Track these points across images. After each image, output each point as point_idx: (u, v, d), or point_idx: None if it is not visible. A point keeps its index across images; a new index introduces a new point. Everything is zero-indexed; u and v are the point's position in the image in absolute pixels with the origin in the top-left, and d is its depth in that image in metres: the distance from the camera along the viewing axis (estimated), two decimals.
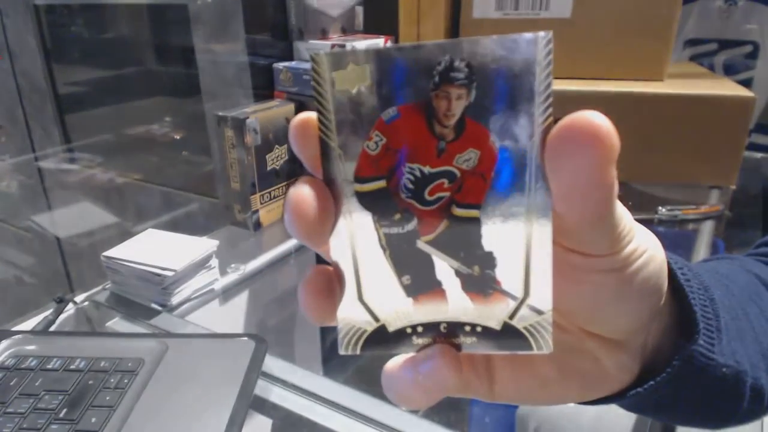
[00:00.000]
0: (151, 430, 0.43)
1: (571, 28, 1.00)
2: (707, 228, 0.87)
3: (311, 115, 0.19)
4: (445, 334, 0.21)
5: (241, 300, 0.75)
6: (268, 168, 0.83)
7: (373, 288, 0.20)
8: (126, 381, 0.47)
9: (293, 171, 0.88)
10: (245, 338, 0.52)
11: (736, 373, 0.26)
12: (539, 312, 0.20)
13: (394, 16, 1.24)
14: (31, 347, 0.52)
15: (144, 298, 0.64)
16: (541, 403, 0.26)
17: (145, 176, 1.25)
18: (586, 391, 0.25)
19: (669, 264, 0.24)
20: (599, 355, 0.24)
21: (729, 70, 1.37)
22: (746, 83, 1.30)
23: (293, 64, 0.90)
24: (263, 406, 0.49)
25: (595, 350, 0.24)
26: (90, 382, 0.47)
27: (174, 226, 1.16)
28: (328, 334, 0.89)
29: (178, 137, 1.25)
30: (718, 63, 1.39)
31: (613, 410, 0.56)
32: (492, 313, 0.20)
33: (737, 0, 1.33)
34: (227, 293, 0.72)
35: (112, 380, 0.47)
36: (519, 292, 0.20)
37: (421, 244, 0.20)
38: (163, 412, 0.44)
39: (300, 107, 0.87)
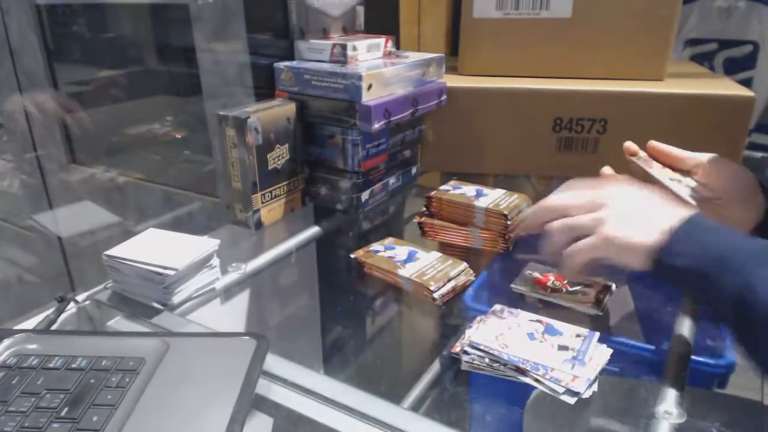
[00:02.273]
0: (153, 428, 0.43)
1: (572, 28, 1.00)
2: None
3: None
4: None
5: (243, 299, 0.76)
6: (270, 167, 0.84)
7: None
8: (127, 380, 0.47)
9: (294, 170, 0.89)
10: (246, 337, 0.52)
11: None
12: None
13: (395, 16, 1.24)
14: (33, 346, 0.52)
15: (145, 297, 0.64)
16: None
17: (146, 175, 1.25)
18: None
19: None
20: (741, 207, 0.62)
21: (729, 70, 1.37)
22: (746, 83, 1.31)
23: (294, 63, 0.90)
24: (264, 404, 0.50)
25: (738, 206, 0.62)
26: (91, 381, 0.47)
27: (175, 226, 1.16)
28: (329, 334, 0.89)
29: (179, 137, 1.25)
30: (718, 63, 1.39)
31: (620, 407, 0.56)
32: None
33: (737, 0, 1.33)
34: (228, 292, 0.72)
35: (113, 379, 0.47)
36: None
37: None
38: (164, 410, 0.45)
39: (301, 107, 0.88)
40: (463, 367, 0.57)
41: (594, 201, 0.57)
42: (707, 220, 0.52)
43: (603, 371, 0.54)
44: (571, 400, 0.51)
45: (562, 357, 0.55)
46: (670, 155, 0.69)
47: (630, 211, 0.55)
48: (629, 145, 0.72)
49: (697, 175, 0.65)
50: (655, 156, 0.69)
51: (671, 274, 0.51)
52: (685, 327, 0.59)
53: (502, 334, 0.58)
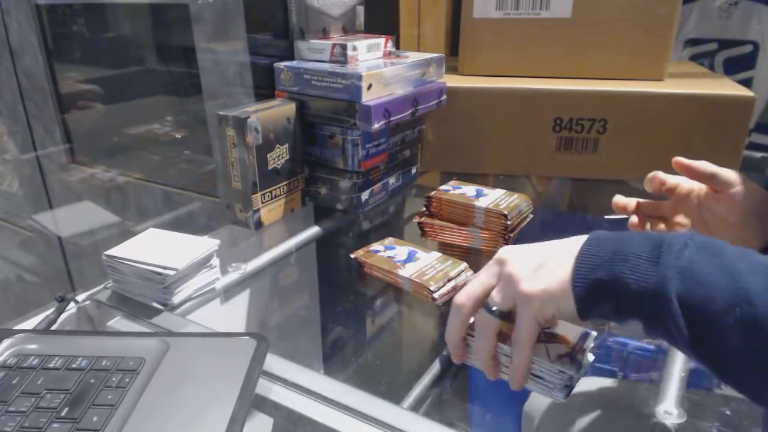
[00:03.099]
0: (153, 428, 0.43)
1: (572, 28, 1.00)
2: None
3: None
4: None
5: (242, 299, 0.76)
6: (270, 167, 0.84)
7: None
8: (127, 380, 0.47)
9: (294, 170, 0.89)
10: (246, 337, 0.52)
11: None
12: None
13: (395, 16, 1.24)
14: (33, 346, 0.52)
15: (145, 297, 0.64)
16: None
17: (146, 175, 1.25)
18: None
19: None
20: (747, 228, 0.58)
21: (729, 70, 1.37)
22: (746, 83, 1.30)
23: (294, 63, 0.90)
24: (264, 404, 0.50)
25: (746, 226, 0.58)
26: (91, 381, 0.47)
27: (175, 226, 1.16)
28: (329, 334, 0.89)
29: (179, 137, 1.25)
30: (718, 63, 1.39)
31: (618, 408, 0.56)
32: None
33: (737, 0, 1.33)
34: (228, 292, 0.72)
35: (113, 379, 0.47)
36: None
37: None
38: (164, 410, 0.45)
39: (301, 107, 0.88)
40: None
41: (494, 271, 0.48)
42: (608, 232, 0.45)
43: (592, 372, 0.54)
44: (557, 396, 0.51)
45: (556, 352, 0.54)
46: (698, 171, 0.61)
47: (532, 255, 0.46)
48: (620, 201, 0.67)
49: (721, 193, 0.61)
50: (683, 172, 0.63)
51: (602, 298, 0.42)
52: None
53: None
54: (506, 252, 0.47)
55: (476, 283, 0.48)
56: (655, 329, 0.40)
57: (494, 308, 0.46)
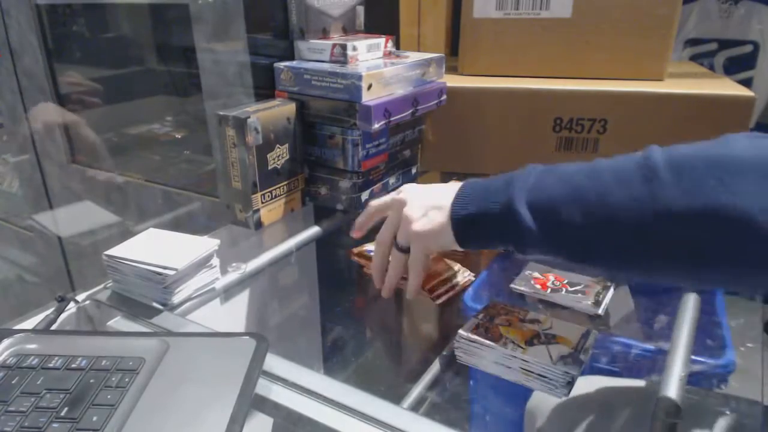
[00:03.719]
0: (153, 428, 0.43)
1: (572, 28, 1.00)
2: None
3: None
4: None
5: (242, 299, 0.76)
6: (270, 167, 0.84)
7: None
8: (127, 380, 0.47)
9: (294, 170, 0.89)
10: (246, 337, 0.52)
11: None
12: None
13: (395, 16, 1.24)
14: (33, 346, 0.52)
15: (145, 297, 0.64)
16: None
17: (146, 175, 1.25)
18: None
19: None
20: None
21: (729, 70, 1.37)
22: (746, 83, 1.31)
23: (294, 63, 0.90)
24: (264, 404, 0.50)
25: None
26: (91, 380, 0.47)
27: (175, 226, 1.16)
28: (329, 334, 0.89)
29: (179, 137, 1.25)
30: (718, 63, 1.39)
31: (621, 407, 0.56)
32: None
33: (737, 0, 1.33)
34: (228, 292, 0.72)
35: (113, 379, 0.47)
36: None
37: None
38: (164, 410, 0.45)
39: (301, 107, 0.88)
40: (459, 359, 0.57)
41: (395, 213, 0.64)
42: (478, 179, 0.58)
43: (592, 372, 0.54)
44: (560, 394, 0.51)
45: (558, 353, 0.55)
46: None
47: (423, 200, 0.61)
48: None
49: None
50: None
51: (474, 228, 0.55)
52: (685, 327, 0.59)
53: (497, 325, 0.58)
54: (405, 192, 0.63)
55: (387, 225, 0.65)
56: (519, 242, 0.51)
57: (401, 245, 0.63)
